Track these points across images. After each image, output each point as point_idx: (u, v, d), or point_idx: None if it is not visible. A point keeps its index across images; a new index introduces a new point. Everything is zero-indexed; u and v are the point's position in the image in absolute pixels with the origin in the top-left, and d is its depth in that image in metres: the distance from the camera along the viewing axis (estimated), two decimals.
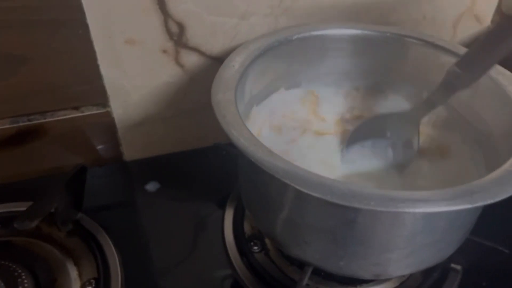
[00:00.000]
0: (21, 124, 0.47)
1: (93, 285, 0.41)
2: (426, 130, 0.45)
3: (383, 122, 0.44)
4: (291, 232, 0.35)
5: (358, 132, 0.45)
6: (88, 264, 0.43)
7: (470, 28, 0.56)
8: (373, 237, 0.31)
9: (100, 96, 0.48)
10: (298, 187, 0.28)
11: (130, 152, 0.55)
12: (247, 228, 0.47)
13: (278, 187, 0.33)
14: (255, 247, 0.45)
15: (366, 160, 0.43)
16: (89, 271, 0.43)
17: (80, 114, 0.49)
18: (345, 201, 0.27)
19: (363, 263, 0.34)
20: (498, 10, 0.52)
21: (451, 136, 0.44)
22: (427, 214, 0.30)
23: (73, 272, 0.43)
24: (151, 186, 0.52)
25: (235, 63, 0.39)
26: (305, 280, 0.38)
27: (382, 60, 0.45)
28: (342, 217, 0.31)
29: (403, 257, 0.33)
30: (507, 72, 0.39)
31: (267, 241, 0.45)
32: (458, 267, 0.43)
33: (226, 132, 0.32)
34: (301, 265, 0.40)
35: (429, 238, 0.32)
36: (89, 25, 0.42)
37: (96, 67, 0.46)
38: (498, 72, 0.39)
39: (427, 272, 0.42)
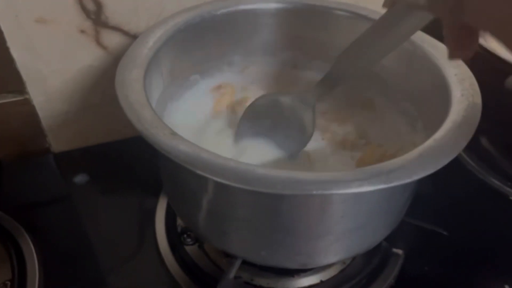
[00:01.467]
0: None
1: (8, 287, 0.38)
2: None
3: (278, 103, 0.39)
4: (210, 223, 0.33)
5: (253, 110, 0.40)
6: (3, 266, 0.40)
7: None
8: (292, 224, 0.29)
9: (15, 82, 0.44)
10: (197, 171, 0.25)
11: (58, 143, 0.51)
12: (180, 220, 0.44)
13: (186, 174, 0.30)
14: (188, 239, 0.42)
15: (259, 144, 0.39)
16: (3, 273, 0.39)
17: None
18: (249, 185, 0.24)
19: (285, 252, 0.31)
20: None
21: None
22: (346, 196, 0.27)
23: None
24: (80, 179, 0.49)
25: (149, 39, 0.36)
26: (233, 273, 0.36)
27: (313, 34, 0.42)
28: (255, 203, 0.28)
29: (328, 244, 0.31)
30: (440, 45, 0.37)
31: None
32: (400, 251, 0.41)
33: (126, 113, 0.28)
34: (235, 256, 0.38)
35: (354, 223, 0.30)
36: None
37: (6, 49, 0.42)
38: (431, 44, 0.37)
39: (368, 258, 0.41)
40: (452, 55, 0.25)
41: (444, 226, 0.41)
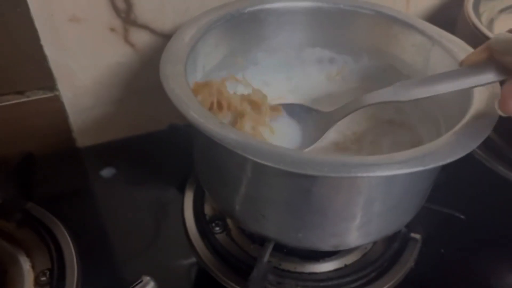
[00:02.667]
0: None
1: (47, 276, 0.40)
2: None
3: (302, 111, 0.42)
4: (248, 207, 0.34)
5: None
6: (41, 255, 0.41)
7: (423, 1, 0.56)
8: (329, 206, 0.31)
9: (46, 79, 0.46)
10: (250, 157, 0.27)
11: (83, 138, 0.52)
12: (208, 209, 0.46)
13: (231, 159, 0.32)
14: (217, 228, 0.44)
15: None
16: (42, 262, 0.41)
17: (25, 99, 0.46)
18: (298, 168, 0.26)
19: (321, 234, 0.33)
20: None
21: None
22: (381, 180, 0.29)
23: (25, 263, 0.41)
24: (107, 172, 0.50)
25: (185, 36, 0.37)
26: (266, 257, 0.37)
27: (337, 31, 0.45)
28: (296, 186, 0.30)
29: (360, 226, 0.33)
30: (457, 40, 0.39)
31: (228, 221, 0.44)
32: (418, 236, 0.43)
33: (175, 105, 0.30)
34: (263, 243, 0.40)
35: (385, 205, 0.32)
36: (28, 2, 0.40)
37: (40, 47, 0.43)
38: (448, 40, 0.39)
39: (387, 243, 0.43)
40: (503, 107, 0.28)
41: (460, 209, 0.44)
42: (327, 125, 0.37)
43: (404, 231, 0.43)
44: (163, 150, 0.52)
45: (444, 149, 0.28)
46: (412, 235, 0.43)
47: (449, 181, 0.41)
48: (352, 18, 0.43)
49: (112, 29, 0.45)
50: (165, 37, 0.47)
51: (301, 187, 0.30)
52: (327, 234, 0.33)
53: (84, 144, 0.53)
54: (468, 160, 0.28)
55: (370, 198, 0.31)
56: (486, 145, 0.52)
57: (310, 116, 0.40)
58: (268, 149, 0.27)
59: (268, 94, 0.41)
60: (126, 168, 0.51)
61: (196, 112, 0.30)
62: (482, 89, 0.33)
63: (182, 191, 0.47)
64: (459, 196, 0.47)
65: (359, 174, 0.26)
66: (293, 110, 0.41)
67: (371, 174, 0.26)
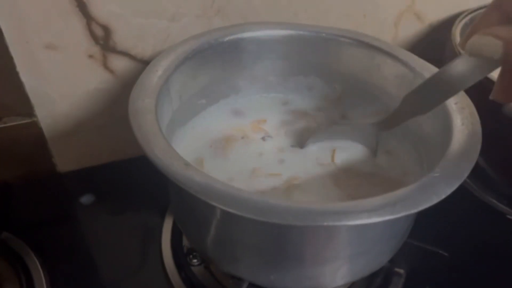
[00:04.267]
0: None
1: None
2: None
3: (343, 130, 0.42)
4: (219, 248, 0.33)
5: (320, 134, 0.42)
6: (12, 286, 0.40)
7: (412, 27, 0.55)
8: (300, 251, 0.30)
9: (23, 106, 0.45)
10: (212, 203, 0.26)
11: (64, 163, 0.51)
12: (186, 240, 0.44)
13: (199, 203, 0.30)
14: (194, 260, 0.43)
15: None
16: None
17: (3, 125, 0.46)
18: (262, 216, 0.25)
19: (294, 277, 0.32)
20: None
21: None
22: (352, 226, 0.28)
23: None
24: (86, 199, 0.49)
25: (159, 67, 0.37)
26: None
27: (318, 60, 0.44)
28: (265, 231, 0.29)
29: (336, 268, 0.32)
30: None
31: None
32: (401, 271, 0.42)
33: (140, 144, 0.29)
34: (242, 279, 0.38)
35: (360, 248, 0.31)
36: (2, 29, 0.39)
37: (15, 74, 0.42)
38: (430, 72, 0.38)
39: (370, 278, 0.41)
40: (495, 95, 0.26)
41: (444, 246, 0.42)
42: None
43: (388, 266, 0.42)
44: (144, 177, 0.50)
45: (416, 195, 0.27)
46: (396, 270, 0.42)
47: (435, 212, 0.40)
48: (334, 47, 0.43)
49: (91, 56, 0.44)
50: (145, 63, 0.46)
51: (270, 233, 0.29)
52: (301, 277, 0.32)
53: (65, 169, 0.52)
54: (456, 189, 0.27)
55: (342, 243, 0.30)
56: (476, 174, 0.51)
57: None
58: (233, 195, 0.26)
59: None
60: (106, 195, 0.50)
61: (160, 152, 0.29)
62: (462, 127, 0.32)
63: (162, 219, 0.46)
64: (445, 228, 0.46)
65: (325, 223, 0.25)
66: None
67: (337, 223, 0.25)
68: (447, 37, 0.50)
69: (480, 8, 0.53)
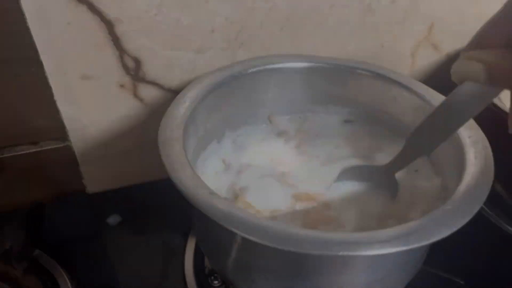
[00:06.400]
0: None
1: None
2: None
3: (361, 171, 0.42)
4: (239, 272, 0.35)
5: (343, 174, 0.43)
6: None
7: (429, 57, 0.57)
8: (317, 278, 0.31)
9: (58, 131, 0.48)
10: (234, 230, 0.28)
11: (93, 185, 0.54)
12: (208, 261, 0.46)
13: (221, 229, 0.32)
14: (216, 282, 0.44)
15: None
16: None
17: (39, 149, 0.49)
18: (280, 244, 0.27)
19: None
20: None
21: None
22: (367, 256, 0.29)
23: None
24: (113, 220, 0.52)
25: (186, 99, 0.39)
26: None
27: (337, 91, 0.46)
28: (283, 258, 0.30)
29: None
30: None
31: None
32: None
33: (168, 172, 0.31)
34: None
35: (375, 276, 0.32)
36: (43, 62, 0.42)
37: (53, 102, 0.45)
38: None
39: None
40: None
41: (460, 273, 0.43)
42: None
43: None
44: (169, 199, 0.52)
45: (430, 226, 0.28)
46: None
47: (451, 239, 0.41)
48: (350, 77, 0.44)
49: (122, 85, 0.47)
50: (173, 92, 0.49)
51: (288, 259, 0.30)
52: None
53: (93, 190, 0.54)
54: (473, 217, 0.28)
55: (357, 271, 0.31)
56: (494, 201, 0.51)
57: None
58: (254, 223, 0.28)
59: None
60: (132, 215, 0.52)
61: (187, 180, 0.31)
62: (475, 161, 0.33)
63: (185, 240, 0.48)
64: (461, 255, 0.46)
65: (340, 253, 0.26)
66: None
67: (351, 253, 0.26)
68: None
69: None
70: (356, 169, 0.43)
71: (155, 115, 0.50)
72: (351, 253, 0.26)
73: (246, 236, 0.27)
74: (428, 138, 0.33)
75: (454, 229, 0.28)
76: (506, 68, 0.24)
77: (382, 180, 0.41)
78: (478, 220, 0.50)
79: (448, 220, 0.28)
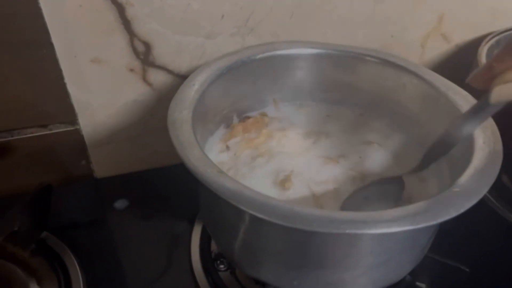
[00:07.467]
0: None
1: None
2: None
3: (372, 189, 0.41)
4: (245, 253, 0.35)
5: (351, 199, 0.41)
6: (51, 284, 0.43)
7: (438, 47, 0.57)
8: (323, 258, 0.31)
9: (68, 114, 0.48)
10: (242, 208, 0.28)
11: (101, 169, 0.55)
12: (214, 246, 0.46)
13: (228, 208, 0.33)
14: (221, 266, 0.45)
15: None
16: None
17: (48, 132, 0.49)
18: (288, 222, 0.27)
19: (316, 283, 0.33)
20: None
21: None
22: (374, 235, 0.30)
23: None
24: (120, 204, 0.52)
25: (195, 82, 0.39)
26: None
27: (345, 78, 0.46)
28: (290, 238, 0.31)
29: (356, 277, 0.33)
30: (464, 92, 0.39)
31: None
32: (423, 285, 0.42)
33: (177, 152, 0.32)
34: (266, 284, 0.40)
35: (380, 258, 0.32)
36: (54, 44, 0.43)
37: (63, 85, 0.46)
38: (455, 92, 0.39)
39: None
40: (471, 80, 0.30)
41: (466, 261, 0.43)
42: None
43: (409, 279, 0.42)
44: (176, 184, 0.53)
45: (436, 208, 0.28)
46: (417, 284, 0.43)
47: (457, 228, 0.41)
48: (360, 65, 0.44)
49: (131, 70, 0.47)
50: (182, 78, 0.49)
51: (295, 239, 0.30)
52: (322, 283, 0.33)
53: (101, 175, 0.55)
54: (479, 206, 0.28)
55: (364, 252, 0.31)
56: (499, 192, 0.51)
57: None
58: (261, 201, 0.28)
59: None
60: (139, 200, 0.52)
61: (195, 160, 0.31)
62: (483, 146, 0.33)
63: (191, 226, 0.48)
64: (467, 244, 0.46)
65: (347, 231, 0.26)
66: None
67: (359, 231, 0.26)
68: (473, 58, 0.51)
69: (507, 30, 0.54)
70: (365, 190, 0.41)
71: (163, 100, 0.50)
72: (358, 231, 0.26)
73: (255, 213, 0.27)
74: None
75: (462, 210, 0.28)
76: None
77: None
78: (484, 211, 0.50)
79: (455, 202, 0.28)
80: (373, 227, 0.26)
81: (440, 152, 0.36)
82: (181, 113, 0.35)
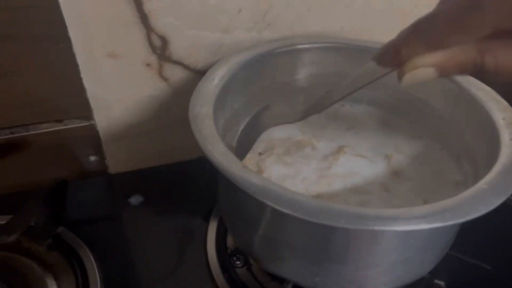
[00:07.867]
0: (3, 137, 0.47)
1: None
2: None
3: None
4: (267, 248, 0.35)
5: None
6: (67, 279, 0.43)
7: None
8: (346, 255, 0.31)
9: (83, 109, 0.48)
10: (268, 203, 0.27)
11: (115, 165, 0.54)
12: (230, 242, 0.46)
13: (251, 203, 0.32)
14: (238, 262, 0.44)
15: None
16: (68, 286, 0.42)
17: (63, 127, 0.49)
18: (315, 218, 0.27)
19: (338, 280, 0.33)
20: None
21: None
22: (399, 232, 0.29)
23: (52, 287, 0.42)
24: (135, 200, 0.52)
25: (215, 76, 0.39)
26: None
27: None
28: (313, 233, 0.30)
29: (379, 274, 0.33)
30: (487, 88, 0.39)
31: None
32: (442, 283, 0.42)
33: (200, 146, 0.31)
34: (283, 280, 0.40)
35: (404, 256, 0.32)
36: (71, 38, 0.43)
37: (79, 80, 0.46)
38: (477, 87, 0.39)
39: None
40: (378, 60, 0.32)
41: (487, 259, 0.42)
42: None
43: (428, 277, 0.42)
44: (191, 180, 0.53)
45: (465, 205, 0.28)
46: (436, 281, 0.42)
47: (478, 225, 0.41)
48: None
49: (148, 64, 0.47)
50: (198, 73, 0.49)
51: (319, 234, 0.30)
52: (344, 280, 0.33)
53: (116, 171, 0.55)
54: (500, 204, 0.28)
55: (388, 249, 0.31)
56: None
57: None
58: (287, 196, 0.28)
59: None
60: (154, 196, 0.52)
61: (219, 154, 0.31)
62: (510, 142, 0.33)
63: (207, 221, 0.48)
64: (488, 241, 0.46)
65: (376, 228, 0.26)
66: None
67: (387, 228, 0.26)
68: None
69: None
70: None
71: (179, 96, 0.50)
72: (387, 228, 0.26)
73: (281, 209, 0.27)
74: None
75: (491, 207, 0.27)
76: (456, 60, 0.27)
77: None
78: (504, 208, 0.50)
79: (484, 199, 0.28)
80: (402, 224, 0.26)
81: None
82: (202, 107, 0.35)
